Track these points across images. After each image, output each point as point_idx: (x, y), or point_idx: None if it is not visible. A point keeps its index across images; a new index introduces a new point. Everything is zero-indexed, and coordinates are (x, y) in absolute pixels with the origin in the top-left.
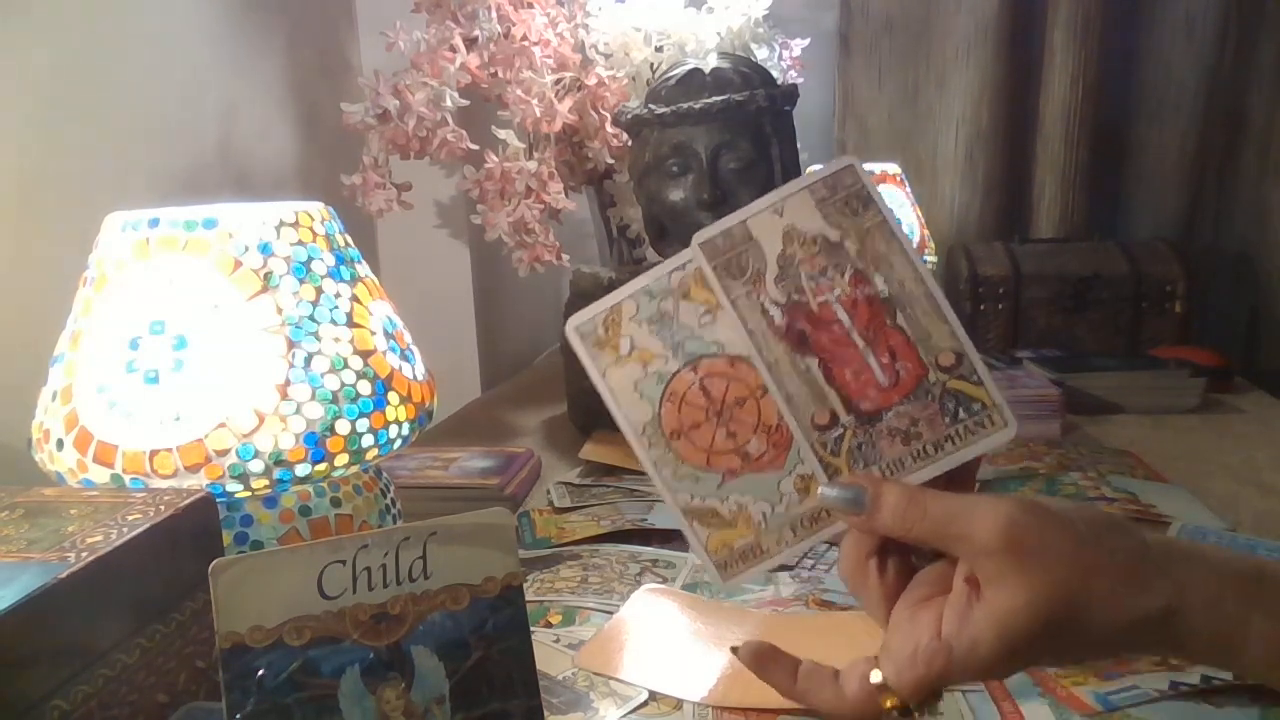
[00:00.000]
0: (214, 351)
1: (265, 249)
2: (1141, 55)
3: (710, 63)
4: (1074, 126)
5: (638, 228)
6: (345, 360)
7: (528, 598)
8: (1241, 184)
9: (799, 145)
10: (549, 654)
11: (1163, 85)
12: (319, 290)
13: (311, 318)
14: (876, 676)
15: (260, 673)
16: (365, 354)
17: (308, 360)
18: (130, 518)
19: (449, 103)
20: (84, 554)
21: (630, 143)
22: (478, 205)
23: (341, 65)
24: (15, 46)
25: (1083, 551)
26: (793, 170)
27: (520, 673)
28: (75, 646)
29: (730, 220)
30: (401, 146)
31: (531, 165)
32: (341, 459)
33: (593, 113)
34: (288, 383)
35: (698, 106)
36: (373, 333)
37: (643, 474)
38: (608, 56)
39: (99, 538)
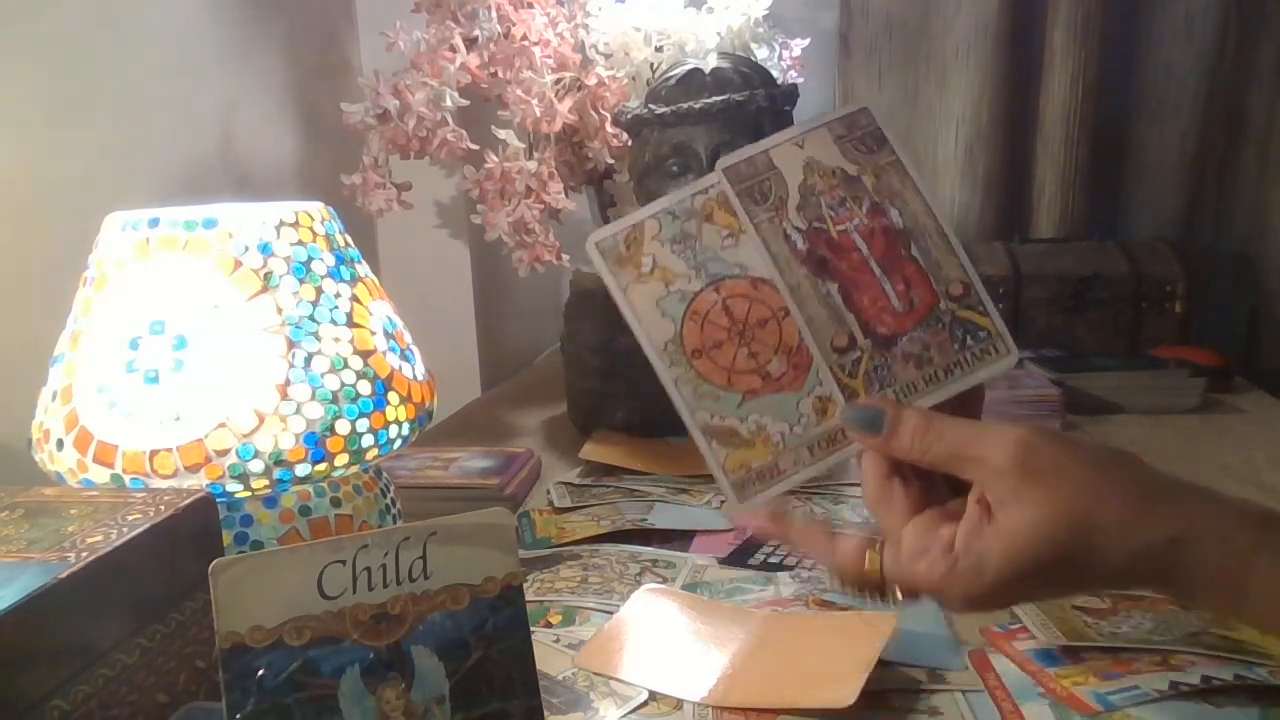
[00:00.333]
0: (214, 351)
1: (265, 249)
2: (1141, 55)
3: (710, 63)
4: (1074, 126)
5: None
6: (345, 360)
7: (528, 598)
8: (1241, 184)
9: None
10: (549, 654)
11: (1163, 85)
12: (319, 290)
13: (311, 318)
14: (873, 560)
15: (260, 673)
16: (365, 354)
17: (308, 360)
18: (130, 518)
19: (449, 103)
20: (84, 554)
21: (630, 143)
22: (478, 205)
23: (341, 65)
24: (15, 46)
25: (1093, 476)
26: None
27: (520, 673)
28: (75, 646)
29: (753, 149)
30: (401, 146)
31: (531, 165)
32: (341, 459)
33: (593, 113)
34: (288, 383)
35: (698, 106)
36: (373, 333)
37: (642, 474)
38: (608, 56)
39: (99, 538)
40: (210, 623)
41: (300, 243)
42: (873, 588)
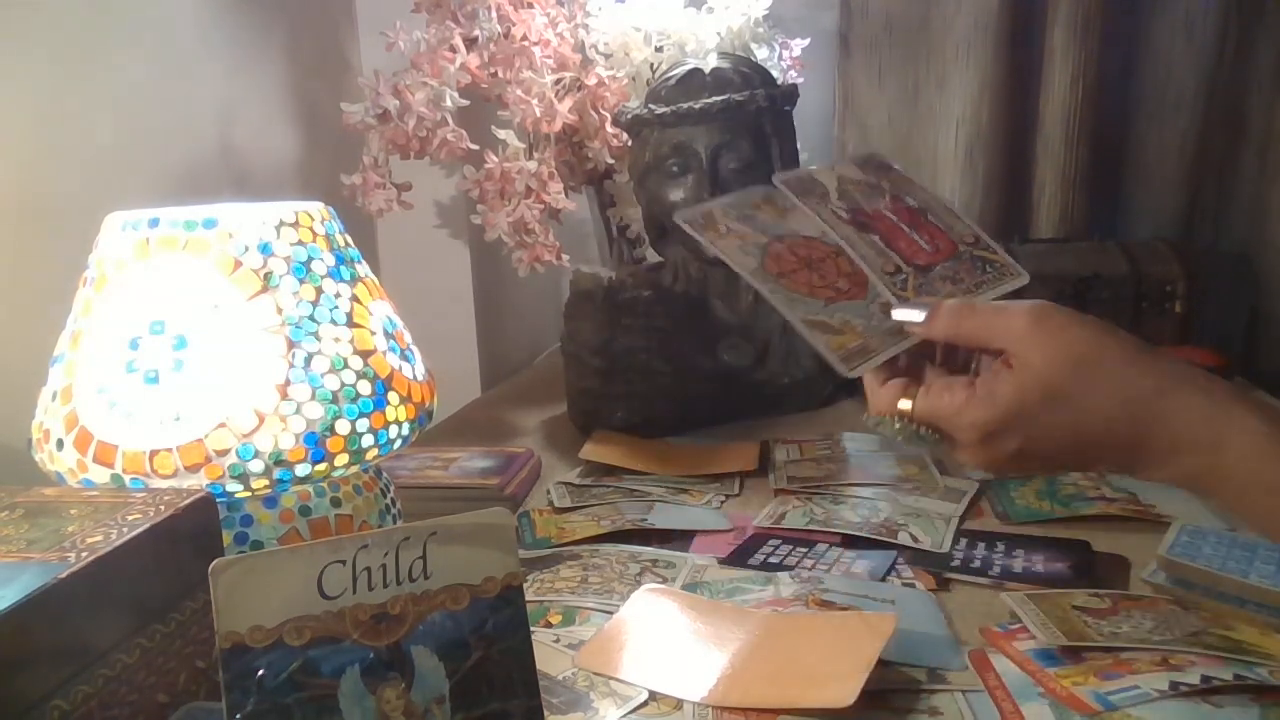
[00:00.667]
0: (214, 351)
1: (265, 249)
2: (1141, 55)
3: (710, 63)
4: (1074, 126)
5: (638, 228)
6: (345, 360)
7: (528, 598)
8: (1241, 184)
9: (799, 145)
10: (549, 654)
11: (1163, 85)
12: (319, 290)
13: (311, 318)
14: (905, 403)
15: (260, 673)
16: (365, 354)
17: (308, 360)
18: (130, 518)
19: (449, 103)
20: (84, 554)
21: (630, 143)
22: (478, 205)
23: (341, 65)
24: (15, 46)
25: (1096, 333)
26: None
27: (520, 673)
28: (75, 646)
29: (799, 170)
30: (401, 146)
31: (531, 165)
32: (341, 459)
33: (593, 113)
34: (288, 383)
35: (698, 106)
36: (373, 333)
37: (642, 474)
38: (608, 56)
39: (99, 538)
40: (210, 623)
41: (300, 243)
42: (903, 418)
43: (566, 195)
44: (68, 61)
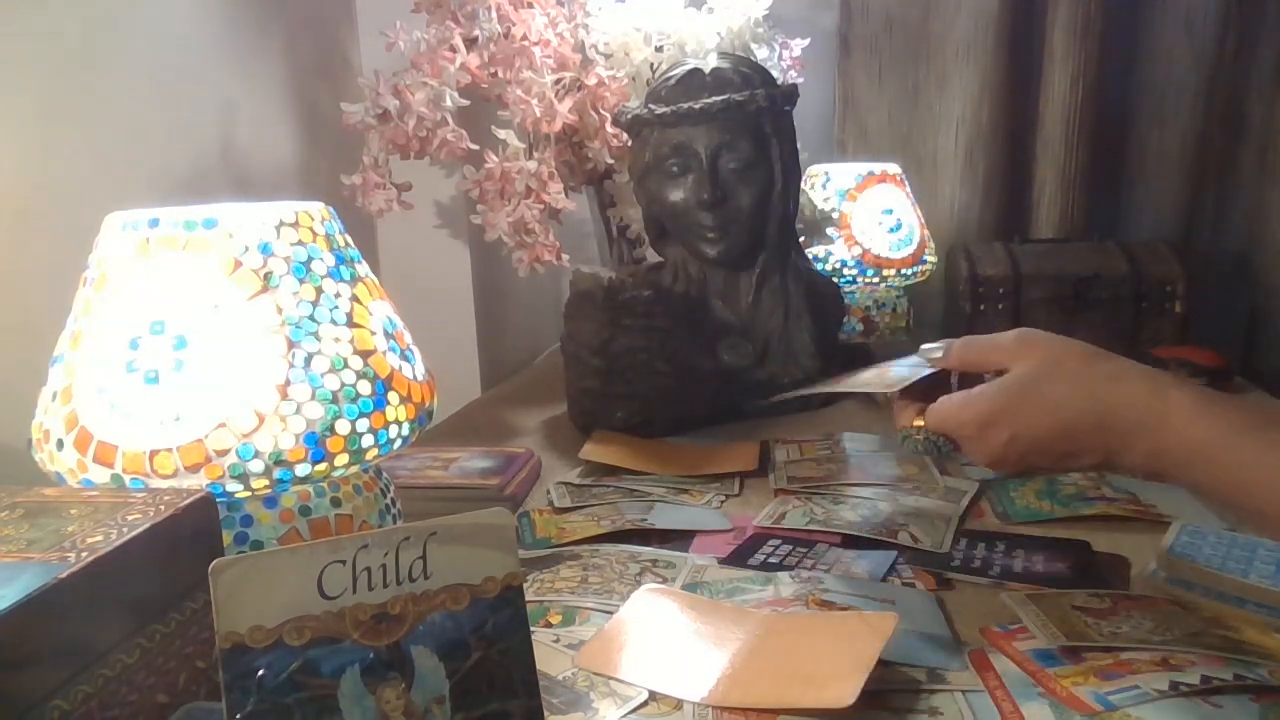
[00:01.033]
0: (214, 351)
1: (265, 249)
2: (1141, 55)
3: (710, 63)
4: (1074, 126)
5: (638, 228)
6: (345, 360)
7: (528, 598)
8: (1241, 184)
9: (799, 145)
10: (549, 654)
11: (1163, 85)
12: (319, 290)
13: (311, 318)
14: (921, 414)
15: (260, 673)
16: (365, 354)
17: (308, 360)
18: (130, 518)
19: (449, 103)
20: (84, 554)
21: (630, 143)
22: (478, 205)
23: (341, 65)
24: (15, 46)
25: (1065, 343)
26: (793, 170)
27: (520, 673)
28: (75, 646)
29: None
30: (401, 146)
31: (531, 165)
32: (341, 459)
33: (593, 113)
34: (288, 383)
35: (698, 106)
36: (373, 333)
37: (642, 474)
38: (608, 56)
39: (99, 538)
40: (210, 623)
41: (300, 243)
42: (920, 430)
43: (566, 195)
44: (68, 61)
